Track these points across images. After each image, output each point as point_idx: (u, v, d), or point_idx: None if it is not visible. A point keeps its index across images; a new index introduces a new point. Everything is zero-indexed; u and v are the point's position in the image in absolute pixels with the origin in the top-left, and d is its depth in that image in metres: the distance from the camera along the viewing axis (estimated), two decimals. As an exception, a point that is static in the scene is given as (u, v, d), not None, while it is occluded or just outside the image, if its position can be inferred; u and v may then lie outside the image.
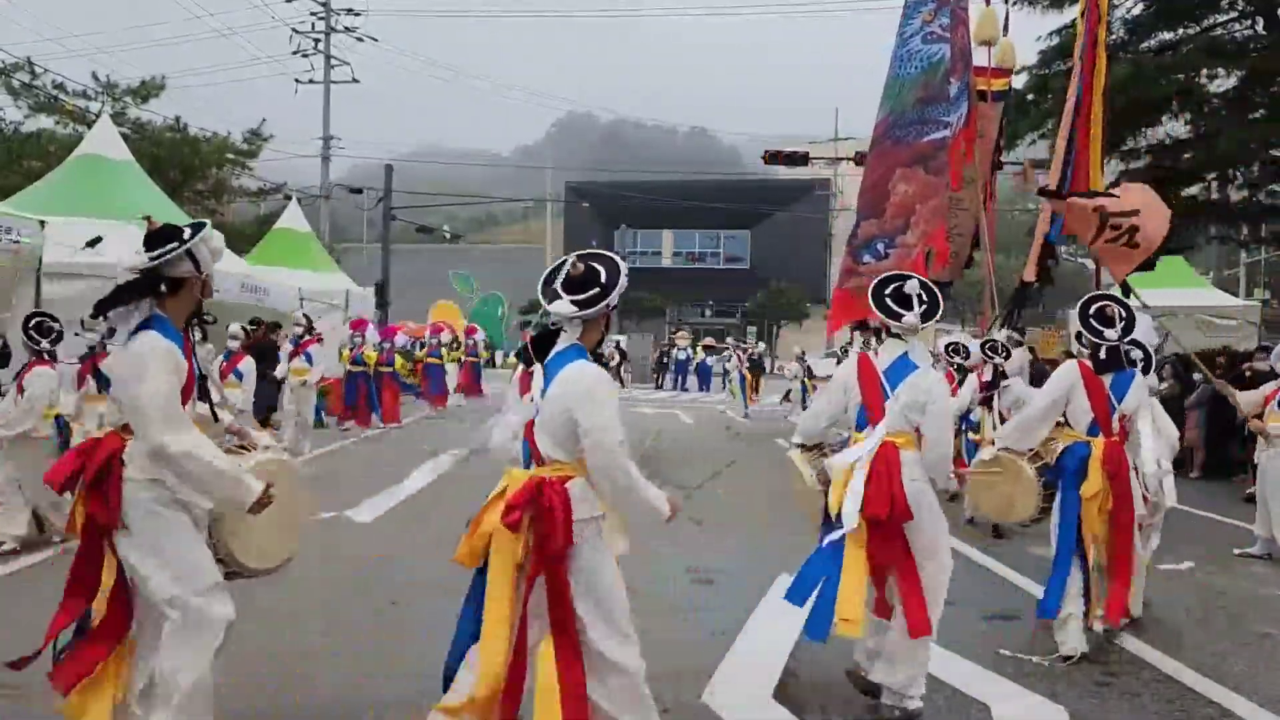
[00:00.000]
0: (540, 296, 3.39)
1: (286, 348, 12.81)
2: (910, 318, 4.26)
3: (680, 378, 31.60)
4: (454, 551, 3.37)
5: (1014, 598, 6.14)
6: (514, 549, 3.24)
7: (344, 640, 5.10)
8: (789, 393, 22.41)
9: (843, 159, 26.22)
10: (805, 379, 21.04)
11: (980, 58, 11.33)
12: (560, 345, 3.37)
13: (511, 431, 3.65)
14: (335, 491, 9.16)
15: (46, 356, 6.98)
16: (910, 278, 4.40)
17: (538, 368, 3.50)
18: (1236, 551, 7.79)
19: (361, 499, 8.86)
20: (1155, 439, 5.13)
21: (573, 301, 3.28)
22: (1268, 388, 7.87)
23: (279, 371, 12.27)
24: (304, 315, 13.55)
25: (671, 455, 13.28)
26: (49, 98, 22.90)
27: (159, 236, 3.34)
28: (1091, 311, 5.23)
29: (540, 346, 3.43)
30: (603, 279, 3.31)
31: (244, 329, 11.48)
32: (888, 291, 4.36)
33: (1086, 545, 5.00)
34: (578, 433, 3.23)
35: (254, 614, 5.15)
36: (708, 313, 62.21)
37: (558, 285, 3.33)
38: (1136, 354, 5.53)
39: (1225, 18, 14.74)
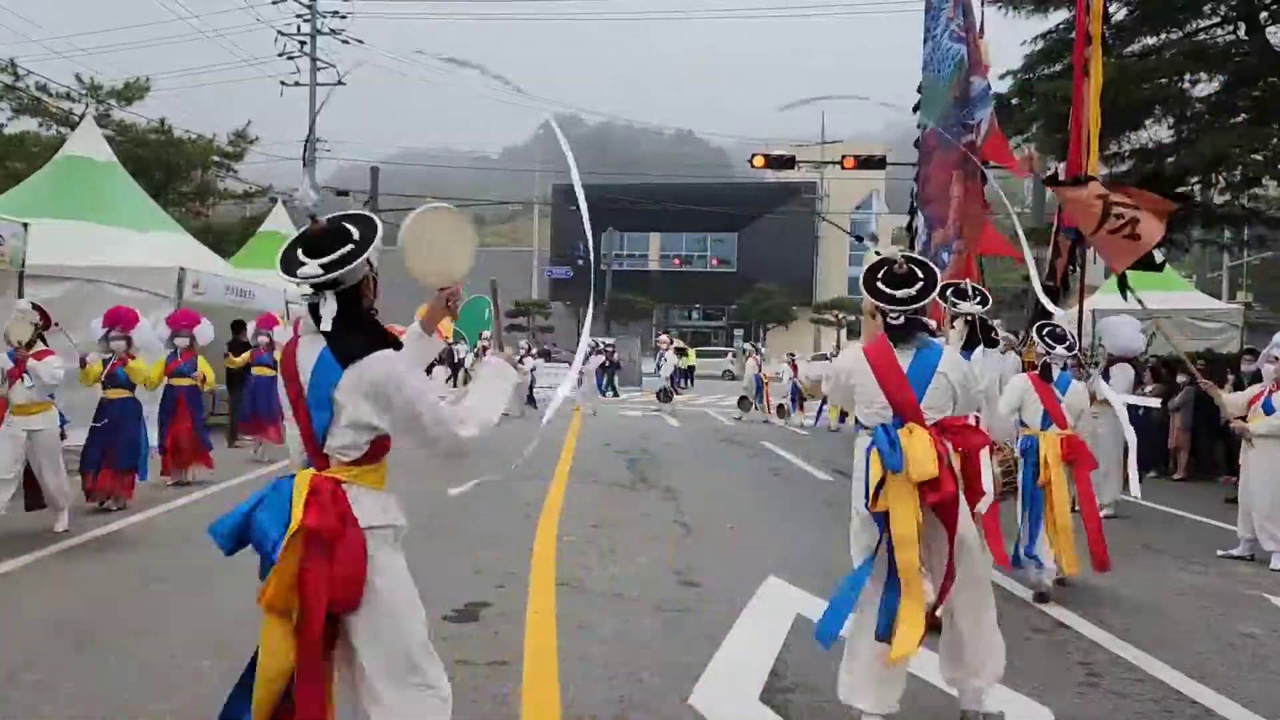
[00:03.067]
0: (866, 289, 4.04)
1: (4, 362, 7.34)
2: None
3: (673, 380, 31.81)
4: None
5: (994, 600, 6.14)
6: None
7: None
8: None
9: (829, 162, 26.28)
10: (760, 374, 21.84)
11: None
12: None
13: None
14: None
15: None
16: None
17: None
18: (1219, 553, 7.84)
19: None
20: None
21: (913, 294, 3.95)
22: (1253, 390, 7.93)
23: None
24: (32, 305, 7.79)
25: (666, 460, 13.27)
26: (32, 99, 22.76)
27: None
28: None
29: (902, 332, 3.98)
30: (923, 277, 3.99)
31: (35, 306, 7.72)
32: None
33: None
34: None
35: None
36: (694, 315, 62.36)
37: (880, 281, 4.01)
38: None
39: (1208, 23, 14.85)
